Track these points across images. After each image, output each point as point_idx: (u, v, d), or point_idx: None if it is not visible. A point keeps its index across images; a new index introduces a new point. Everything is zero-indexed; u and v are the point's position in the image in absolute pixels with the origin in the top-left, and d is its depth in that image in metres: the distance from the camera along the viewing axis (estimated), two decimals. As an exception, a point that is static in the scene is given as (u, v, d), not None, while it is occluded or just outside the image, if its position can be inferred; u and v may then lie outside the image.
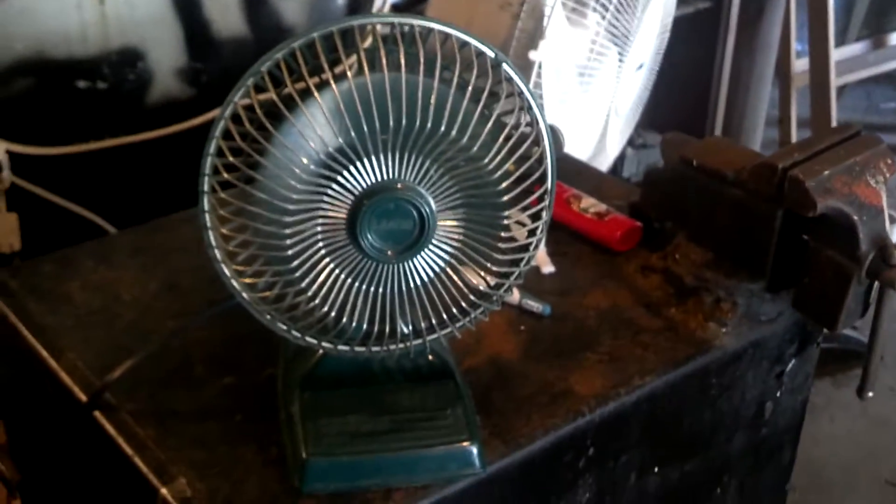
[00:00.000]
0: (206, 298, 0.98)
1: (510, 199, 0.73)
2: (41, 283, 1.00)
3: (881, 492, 1.82)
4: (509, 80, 0.72)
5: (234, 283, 0.73)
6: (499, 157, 0.71)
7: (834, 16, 2.54)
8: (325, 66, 0.69)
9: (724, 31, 2.56)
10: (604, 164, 1.67)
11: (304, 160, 0.68)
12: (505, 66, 0.71)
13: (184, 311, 0.97)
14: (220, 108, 0.69)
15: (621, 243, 1.03)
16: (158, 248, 1.07)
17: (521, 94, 0.72)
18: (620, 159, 2.33)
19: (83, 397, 0.85)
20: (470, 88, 0.69)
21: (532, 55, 1.41)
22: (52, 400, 0.91)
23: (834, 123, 2.61)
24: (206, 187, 0.70)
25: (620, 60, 1.55)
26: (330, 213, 0.69)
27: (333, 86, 0.68)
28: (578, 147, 1.58)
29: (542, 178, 0.74)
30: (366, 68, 0.69)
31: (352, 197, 0.69)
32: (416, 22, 0.69)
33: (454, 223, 0.72)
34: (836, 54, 2.60)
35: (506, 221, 0.73)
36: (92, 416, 0.84)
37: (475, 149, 0.70)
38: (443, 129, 0.69)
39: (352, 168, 0.69)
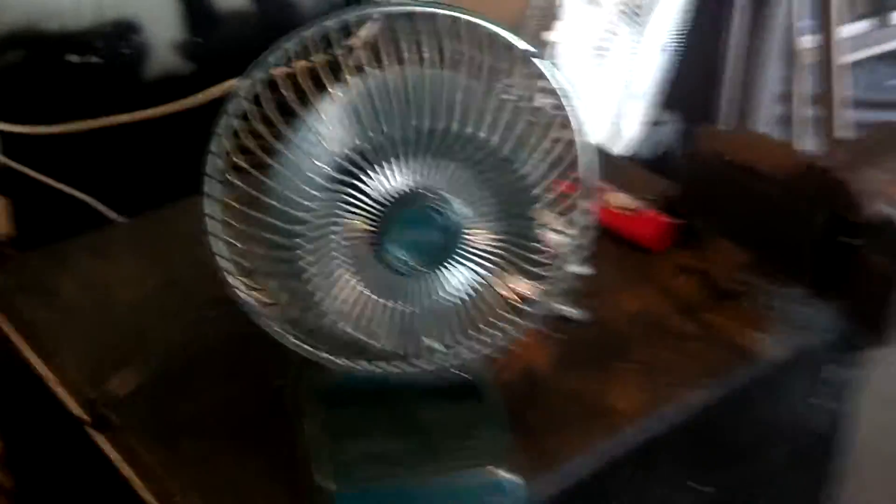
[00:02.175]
0: (208, 295, 0.92)
1: (546, 204, 0.68)
2: (32, 279, 0.94)
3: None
4: (542, 76, 0.65)
5: (246, 297, 0.66)
6: (533, 159, 0.65)
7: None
8: (340, 59, 0.62)
9: (729, 7, 2.51)
10: (618, 147, 1.61)
11: (320, 164, 0.62)
12: (537, 61, 0.65)
13: (185, 309, 0.90)
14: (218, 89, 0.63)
15: (656, 242, 0.97)
16: (157, 240, 1.00)
17: (555, 90, 0.66)
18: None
19: (78, 412, 0.79)
20: (501, 85, 0.63)
21: (548, 36, 1.34)
22: (43, 409, 0.85)
23: (840, 100, 2.58)
24: (211, 189, 0.64)
25: (636, 41, 1.49)
26: (349, 223, 0.63)
27: (350, 81, 0.62)
28: (592, 129, 1.52)
29: (579, 181, 0.68)
30: (384, 62, 0.62)
31: (374, 205, 0.63)
32: (441, 11, 0.62)
33: (486, 231, 0.66)
34: (841, 32, 2.57)
35: (542, 229, 0.67)
36: (87, 432, 0.78)
37: (507, 150, 0.64)
38: (470, 129, 0.63)
39: (372, 173, 0.62)
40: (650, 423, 0.79)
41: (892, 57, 3.21)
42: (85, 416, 0.78)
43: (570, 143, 0.68)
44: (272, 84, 0.63)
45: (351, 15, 0.62)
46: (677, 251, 0.97)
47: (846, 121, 2.65)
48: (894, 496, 1.72)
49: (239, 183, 0.64)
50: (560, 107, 0.67)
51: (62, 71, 1.29)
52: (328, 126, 0.61)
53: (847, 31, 2.76)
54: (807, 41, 2.58)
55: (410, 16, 0.62)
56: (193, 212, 1.04)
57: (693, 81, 2.56)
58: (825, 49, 2.56)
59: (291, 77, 0.62)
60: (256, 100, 0.63)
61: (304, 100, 0.62)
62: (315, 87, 0.62)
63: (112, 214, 1.33)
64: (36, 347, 0.86)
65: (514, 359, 0.83)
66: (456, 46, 0.63)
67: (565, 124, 0.67)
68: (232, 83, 1.43)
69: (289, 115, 0.63)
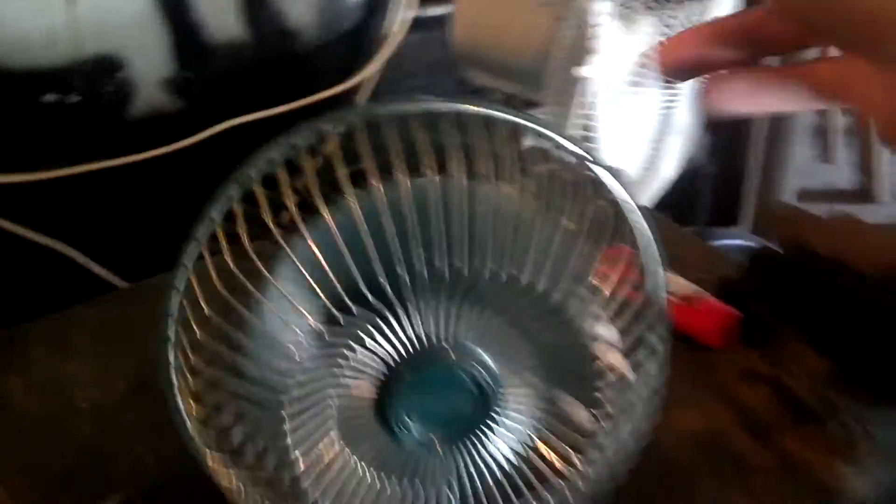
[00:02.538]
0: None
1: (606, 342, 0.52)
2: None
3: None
4: (600, 185, 0.50)
5: (221, 472, 0.52)
6: (589, 299, 0.50)
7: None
8: (338, 172, 0.47)
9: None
10: (653, 188, 1.45)
11: (308, 316, 0.47)
12: (595, 168, 0.50)
13: (158, 421, 0.76)
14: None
15: (720, 339, 0.82)
16: (126, 327, 0.85)
17: (620, 211, 0.51)
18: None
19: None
20: (566, 217, 0.48)
21: (579, 72, 1.18)
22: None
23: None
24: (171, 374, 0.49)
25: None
26: (349, 391, 0.48)
27: (349, 201, 0.47)
28: (625, 168, 1.36)
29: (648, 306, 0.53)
30: (396, 174, 0.47)
31: (380, 367, 0.48)
32: (472, 109, 0.47)
33: (529, 387, 0.51)
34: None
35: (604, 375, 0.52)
36: None
37: (557, 295, 0.49)
38: (510, 270, 0.47)
39: (380, 325, 0.47)
40: None
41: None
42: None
43: (633, 264, 0.53)
44: (251, 203, 0.48)
45: (357, 115, 0.47)
46: (743, 348, 0.82)
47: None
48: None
49: (212, 317, 0.49)
50: (620, 219, 0.52)
51: (35, 112, 1.15)
52: (321, 261, 0.46)
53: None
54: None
55: (432, 118, 0.47)
56: (163, 291, 0.90)
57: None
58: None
59: (273, 197, 0.47)
60: (230, 220, 0.48)
61: (289, 224, 0.47)
62: (304, 208, 0.47)
63: (96, 267, 1.20)
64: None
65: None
66: (493, 153, 0.48)
67: (629, 240, 0.52)
68: (224, 125, 1.28)
69: (267, 253, 0.48)
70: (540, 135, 0.48)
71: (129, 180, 1.23)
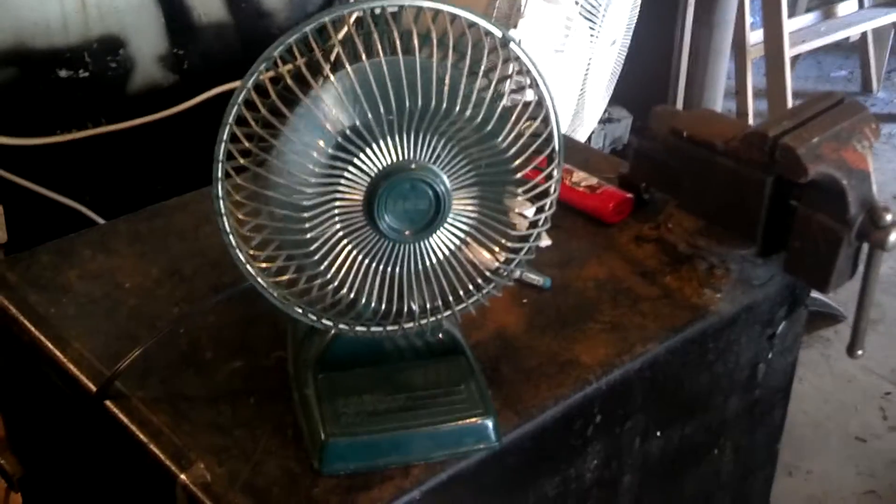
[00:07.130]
0: (209, 283, 0.99)
1: (521, 177, 0.75)
2: (39, 274, 1.01)
3: (850, 446, 1.87)
4: (517, 59, 0.73)
5: (250, 269, 0.74)
6: (511, 136, 0.73)
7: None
8: (339, 49, 0.70)
9: (684, 5, 2.59)
10: (580, 139, 1.69)
11: (321, 143, 0.69)
12: (512, 45, 0.73)
13: (188, 296, 0.98)
14: (233, 89, 0.70)
15: (614, 214, 1.06)
16: (156, 234, 1.07)
17: (528, 72, 0.74)
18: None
19: (92, 387, 0.86)
20: (482, 69, 0.71)
21: (511, 33, 1.42)
22: (57, 391, 0.92)
23: (789, 92, 2.68)
24: (220, 173, 0.71)
25: (593, 36, 1.57)
26: (347, 196, 0.71)
27: (348, 68, 0.69)
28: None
29: (551, 157, 0.76)
30: (380, 50, 0.70)
31: (368, 178, 0.71)
32: (426, 4, 0.71)
33: (468, 201, 0.74)
34: (788, 25, 2.66)
35: (517, 199, 0.75)
36: (102, 405, 0.84)
37: (488, 128, 0.72)
38: (457, 109, 0.70)
39: (368, 150, 0.70)
40: (613, 372, 0.87)
41: (838, 48, 3.33)
42: (99, 391, 0.84)
43: (542, 122, 0.76)
44: (273, 78, 0.71)
45: (346, 10, 0.70)
46: (636, 222, 1.06)
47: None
48: (859, 471, 1.81)
49: (246, 164, 0.71)
50: (532, 89, 0.75)
51: (51, 85, 1.35)
52: (327, 108, 0.69)
53: (795, 24, 2.86)
54: (755, 36, 2.67)
55: (396, 11, 0.71)
56: (186, 208, 1.12)
57: (645, 78, 2.65)
58: (774, 43, 2.66)
59: (294, 68, 0.70)
60: (260, 91, 0.71)
61: (305, 87, 0.70)
62: (314, 76, 0.70)
63: (99, 220, 1.40)
64: (49, 335, 0.92)
65: (489, 321, 0.92)
66: (438, 37, 0.71)
67: (538, 105, 0.75)
68: (210, 93, 1.49)
69: (290, 104, 0.70)
70: (473, 23, 0.71)
71: (128, 143, 1.43)
